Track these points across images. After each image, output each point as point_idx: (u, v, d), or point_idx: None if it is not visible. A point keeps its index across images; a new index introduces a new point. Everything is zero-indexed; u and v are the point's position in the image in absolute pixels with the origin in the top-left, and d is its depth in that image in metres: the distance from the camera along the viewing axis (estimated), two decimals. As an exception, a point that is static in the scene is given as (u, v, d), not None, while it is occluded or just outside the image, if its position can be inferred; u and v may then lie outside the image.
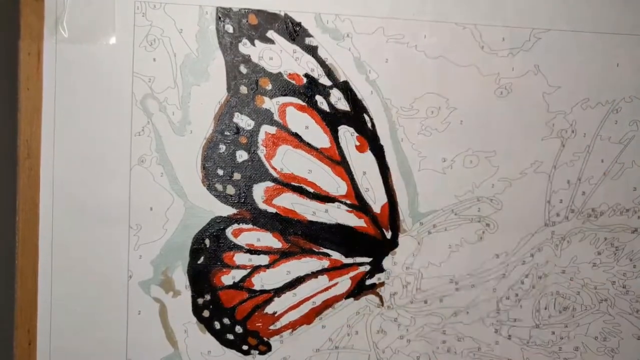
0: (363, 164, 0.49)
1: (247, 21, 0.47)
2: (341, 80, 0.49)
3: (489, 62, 0.51)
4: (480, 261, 0.52)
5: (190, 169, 0.48)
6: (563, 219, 0.53)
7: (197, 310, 0.48)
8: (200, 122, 0.47)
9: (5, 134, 0.47)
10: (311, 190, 0.49)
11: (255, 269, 0.49)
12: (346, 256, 0.50)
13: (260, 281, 0.49)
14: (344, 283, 0.50)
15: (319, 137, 0.49)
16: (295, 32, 0.48)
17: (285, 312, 0.50)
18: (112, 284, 0.47)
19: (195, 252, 0.48)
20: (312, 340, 0.50)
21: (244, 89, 0.48)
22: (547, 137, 0.52)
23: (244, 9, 0.47)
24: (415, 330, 0.51)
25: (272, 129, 0.48)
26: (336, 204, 0.49)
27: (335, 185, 0.49)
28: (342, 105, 0.49)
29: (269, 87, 0.48)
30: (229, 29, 0.47)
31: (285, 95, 0.48)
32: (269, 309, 0.49)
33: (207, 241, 0.48)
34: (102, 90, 0.46)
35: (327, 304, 0.50)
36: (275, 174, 0.48)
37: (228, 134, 0.48)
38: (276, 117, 0.48)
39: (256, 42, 0.48)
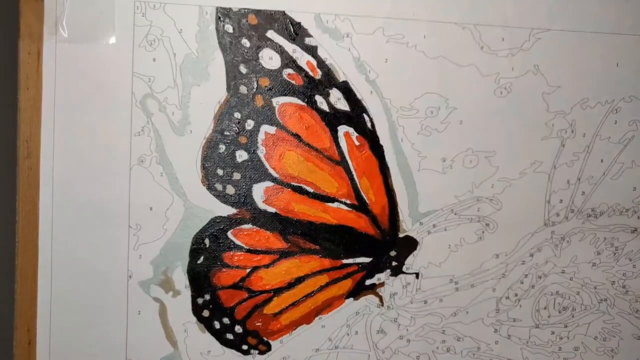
0: (363, 164, 0.49)
1: (246, 21, 0.47)
2: (341, 80, 0.49)
3: (489, 62, 0.51)
4: (480, 261, 0.52)
5: (190, 169, 0.48)
6: (563, 218, 0.53)
7: (196, 310, 0.48)
8: (200, 122, 0.47)
9: (5, 133, 0.47)
10: (311, 190, 0.49)
11: (255, 269, 0.49)
12: (346, 256, 0.50)
13: (260, 281, 0.49)
14: (344, 283, 0.50)
15: (318, 137, 0.49)
16: (294, 32, 0.48)
17: (285, 311, 0.50)
18: (112, 283, 0.47)
19: (195, 252, 0.48)
20: (312, 340, 0.50)
21: (243, 89, 0.48)
22: (547, 137, 0.52)
23: (244, 9, 0.47)
24: (415, 330, 0.51)
25: (272, 129, 0.48)
26: (336, 204, 0.49)
27: (335, 185, 0.49)
28: (342, 105, 0.49)
29: (269, 86, 0.48)
30: (229, 28, 0.47)
31: (285, 95, 0.48)
32: (269, 309, 0.49)
33: (206, 241, 0.48)
34: (102, 90, 0.46)
35: (327, 304, 0.50)
36: (275, 174, 0.48)
37: (228, 133, 0.48)
38: (276, 117, 0.48)
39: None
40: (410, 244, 0.51)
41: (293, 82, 0.48)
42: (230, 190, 0.48)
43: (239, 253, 0.49)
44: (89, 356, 0.48)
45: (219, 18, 0.47)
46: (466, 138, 0.51)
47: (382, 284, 0.51)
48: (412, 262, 0.51)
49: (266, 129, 0.48)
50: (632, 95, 0.53)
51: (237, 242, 0.48)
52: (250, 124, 0.48)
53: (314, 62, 0.48)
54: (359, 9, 0.49)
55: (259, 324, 0.49)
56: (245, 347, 0.49)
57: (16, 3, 0.45)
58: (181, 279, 0.48)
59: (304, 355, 0.50)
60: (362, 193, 0.50)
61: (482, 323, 0.52)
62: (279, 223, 0.49)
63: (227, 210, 0.48)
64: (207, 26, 0.47)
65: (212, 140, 0.48)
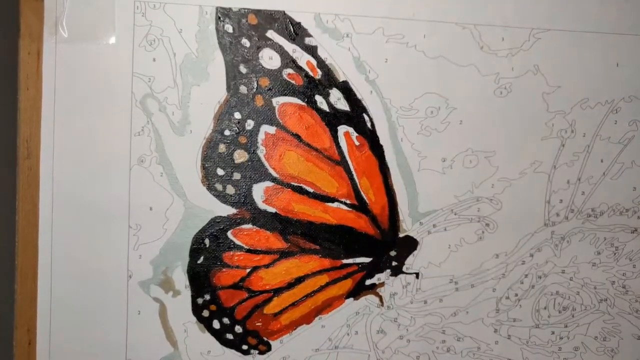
0: (363, 164, 0.49)
1: (246, 21, 0.47)
2: (341, 80, 0.49)
3: (489, 62, 0.51)
4: (480, 261, 0.52)
5: (190, 169, 0.48)
6: (563, 219, 0.53)
7: (196, 310, 0.48)
8: (200, 122, 0.47)
9: (4, 134, 0.47)
10: (311, 190, 0.49)
11: (255, 268, 0.49)
12: (346, 256, 0.50)
13: (260, 281, 0.49)
14: (344, 283, 0.50)
15: (318, 137, 0.49)
16: (294, 32, 0.48)
17: (285, 311, 0.50)
18: (112, 283, 0.47)
19: (195, 251, 0.48)
20: (312, 340, 0.50)
21: (243, 89, 0.48)
22: (547, 137, 0.52)
23: (244, 8, 0.47)
24: (415, 330, 0.51)
25: (272, 129, 0.48)
26: (336, 204, 0.49)
27: (335, 185, 0.49)
28: (342, 105, 0.49)
29: (269, 86, 0.48)
30: (229, 28, 0.47)
31: (285, 95, 0.48)
32: (269, 309, 0.49)
33: (206, 241, 0.48)
34: (102, 90, 0.46)
35: (327, 304, 0.50)
36: (275, 174, 0.48)
37: (228, 133, 0.48)
38: (276, 117, 0.48)
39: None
40: (410, 244, 0.51)
41: (293, 82, 0.48)
42: (230, 190, 0.48)
43: (239, 253, 0.49)
44: (89, 356, 0.48)
45: (219, 18, 0.47)
46: (466, 138, 0.51)
47: (382, 284, 0.51)
48: (412, 262, 0.51)
49: (266, 129, 0.48)
50: (632, 95, 0.53)
51: (237, 242, 0.48)
52: (250, 124, 0.48)
53: (314, 62, 0.48)
54: (359, 9, 0.49)
55: (259, 324, 0.49)
56: (245, 347, 0.49)
57: (16, 3, 0.45)
58: (181, 279, 0.48)
59: (304, 355, 0.50)
60: (362, 193, 0.50)
61: (482, 323, 0.52)
62: (279, 223, 0.49)
63: (227, 210, 0.48)
64: (207, 26, 0.47)
65: (212, 140, 0.48)
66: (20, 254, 0.46)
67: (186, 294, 0.48)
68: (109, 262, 0.47)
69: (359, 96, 0.49)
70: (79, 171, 0.47)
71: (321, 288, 0.50)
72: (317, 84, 0.48)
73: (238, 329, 0.49)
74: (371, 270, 0.51)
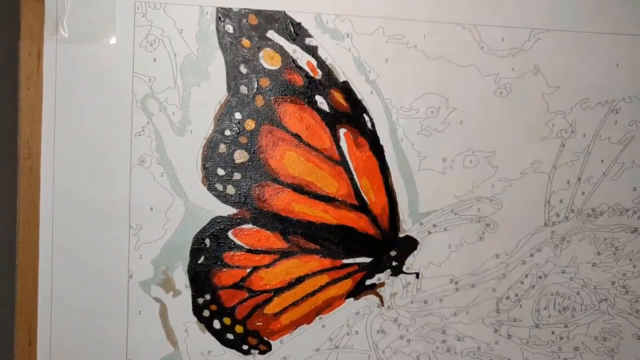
0: (363, 164, 0.49)
1: (247, 21, 0.47)
2: (341, 80, 0.49)
3: (489, 62, 0.51)
4: (480, 261, 0.52)
5: (191, 169, 0.48)
6: (563, 219, 0.53)
7: (197, 309, 0.48)
8: (200, 122, 0.47)
9: (5, 134, 0.47)
10: (311, 190, 0.49)
11: (256, 268, 0.49)
12: (346, 256, 0.50)
13: (261, 281, 0.49)
14: (344, 283, 0.50)
15: (318, 137, 0.49)
16: (295, 32, 0.48)
17: (285, 311, 0.50)
18: (112, 283, 0.47)
19: (195, 251, 0.48)
20: (312, 340, 0.50)
21: (244, 89, 0.48)
22: (547, 137, 0.52)
23: (244, 9, 0.47)
24: (415, 330, 0.52)
25: (272, 129, 0.48)
26: (336, 204, 0.49)
27: (335, 185, 0.49)
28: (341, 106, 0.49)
29: (269, 87, 0.48)
30: (229, 29, 0.47)
31: (285, 95, 0.48)
32: (269, 309, 0.49)
33: (207, 241, 0.48)
34: (103, 90, 0.46)
35: (327, 304, 0.50)
36: (275, 174, 0.48)
37: (228, 134, 0.48)
38: (276, 117, 0.48)
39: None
40: (411, 244, 0.51)
41: (293, 82, 0.48)
42: (231, 190, 0.48)
43: (239, 253, 0.49)
44: (90, 356, 0.48)
45: (220, 18, 0.47)
46: (466, 138, 0.51)
47: (382, 284, 0.51)
48: (412, 262, 0.51)
49: (266, 129, 0.48)
50: (632, 96, 0.53)
51: (238, 242, 0.48)
52: (250, 124, 0.48)
53: (314, 63, 0.48)
54: (359, 9, 0.49)
55: (259, 323, 0.49)
56: (245, 347, 0.49)
57: (17, 3, 0.45)
58: (182, 279, 0.48)
59: (304, 355, 0.50)
60: (362, 193, 0.50)
61: (482, 323, 0.52)
62: (280, 223, 0.49)
63: (228, 210, 0.48)
64: (208, 26, 0.47)
65: (212, 141, 0.48)
66: (21, 254, 0.46)
67: (187, 294, 0.48)
68: (109, 262, 0.47)
69: (359, 96, 0.49)
70: (80, 171, 0.47)
71: (321, 288, 0.50)
72: (318, 84, 0.48)
73: (239, 328, 0.49)
74: (371, 270, 0.51)
